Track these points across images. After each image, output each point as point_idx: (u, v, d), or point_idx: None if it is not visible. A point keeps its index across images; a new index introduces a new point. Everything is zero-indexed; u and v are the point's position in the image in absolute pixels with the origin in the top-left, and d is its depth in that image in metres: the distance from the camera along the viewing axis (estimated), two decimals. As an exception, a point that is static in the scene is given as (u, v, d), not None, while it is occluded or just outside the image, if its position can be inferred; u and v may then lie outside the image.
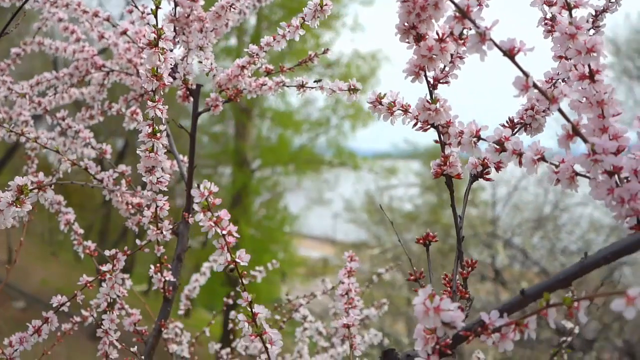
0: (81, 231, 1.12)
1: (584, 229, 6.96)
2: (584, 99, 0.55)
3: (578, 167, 0.56)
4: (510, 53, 0.52)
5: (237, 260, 0.64)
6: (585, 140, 0.52)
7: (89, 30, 1.16)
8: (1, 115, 1.33)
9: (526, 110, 0.70)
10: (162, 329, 1.01)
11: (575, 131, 0.52)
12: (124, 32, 1.01)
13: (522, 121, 0.70)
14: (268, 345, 0.65)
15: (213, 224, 0.62)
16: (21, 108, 1.28)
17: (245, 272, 0.67)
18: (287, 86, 0.97)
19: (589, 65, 0.54)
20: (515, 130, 0.71)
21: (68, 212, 1.13)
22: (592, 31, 0.74)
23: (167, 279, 0.99)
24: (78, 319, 1.14)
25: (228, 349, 1.47)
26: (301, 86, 0.95)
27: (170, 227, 0.93)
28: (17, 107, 1.30)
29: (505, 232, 6.15)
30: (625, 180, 0.52)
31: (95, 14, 1.12)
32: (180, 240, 1.02)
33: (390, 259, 7.47)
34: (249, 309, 0.65)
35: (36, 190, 0.67)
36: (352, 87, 0.83)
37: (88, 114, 1.22)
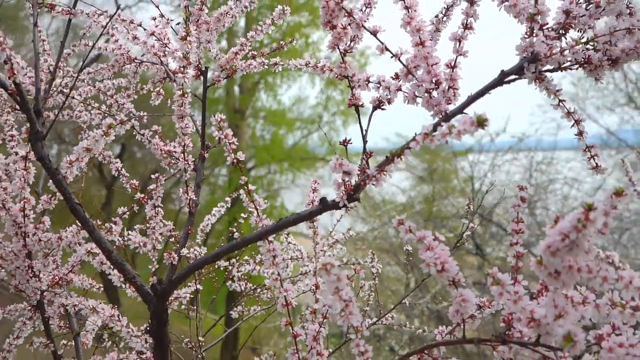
0: (127, 175, 1.60)
1: (559, 205, 7.50)
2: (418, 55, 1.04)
3: (417, 92, 1.05)
4: (374, 33, 1.00)
5: (238, 157, 1.12)
6: (413, 75, 1.01)
7: (125, 33, 1.64)
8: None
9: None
10: (189, 233, 1.49)
11: (409, 72, 1.01)
12: (152, 33, 1.49)
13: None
14: (257, 207, 1.14)
15: (223, 137, 1.11)
16: (75, 92, 1.77)
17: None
18: (267, 65, 1.47)
19: (419, 37, 1.03)
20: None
21: (117, 162, 1.61)
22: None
23: (191, 197, 1.47)
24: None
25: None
26: (275, 64, 1.44)
27: (193, 159, 1.41)
28: (73, 92, 1.78)
29: (484, 210, 6.65)
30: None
31: (131, 22, 1.60)
32: (198, 173, 1.50)
33: (388, 250, 7.90)
34: (246, 187, 1.14)
35: (119, 125, 1.15)
36: (307, 62, 1.32)
37: (126, 93, 1.70)
